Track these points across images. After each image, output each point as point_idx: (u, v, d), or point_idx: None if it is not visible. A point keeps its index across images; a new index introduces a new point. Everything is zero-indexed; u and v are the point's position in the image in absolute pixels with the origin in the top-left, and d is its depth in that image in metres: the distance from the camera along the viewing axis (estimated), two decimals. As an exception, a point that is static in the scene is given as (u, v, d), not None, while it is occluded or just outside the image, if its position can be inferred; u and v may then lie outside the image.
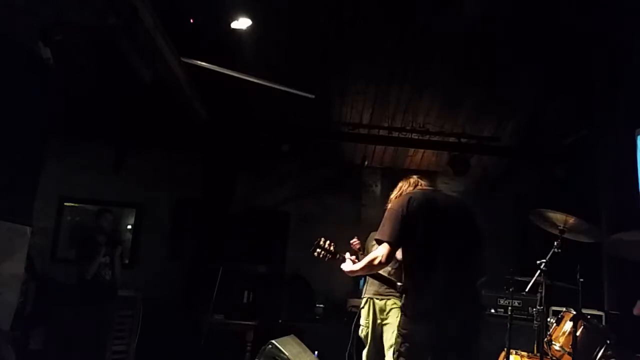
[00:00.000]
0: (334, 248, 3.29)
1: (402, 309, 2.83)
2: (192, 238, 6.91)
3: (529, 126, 6.56)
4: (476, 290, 2.89)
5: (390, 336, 4.12)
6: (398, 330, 2.80)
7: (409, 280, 2.85)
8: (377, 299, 4.34)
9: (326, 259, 3.24)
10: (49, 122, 3.80)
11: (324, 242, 3.29)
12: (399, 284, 3.30)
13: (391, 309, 4.25)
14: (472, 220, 2.94)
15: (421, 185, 3.15)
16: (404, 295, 2.83)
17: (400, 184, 3.28)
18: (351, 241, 4.41)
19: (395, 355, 2.76)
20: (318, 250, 3.27)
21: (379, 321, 4.30)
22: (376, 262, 2.79)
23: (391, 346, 3.84)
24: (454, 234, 2.83)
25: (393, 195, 3.26)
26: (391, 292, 4.16)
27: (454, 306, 2.69)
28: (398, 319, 2.96)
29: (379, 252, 2.79)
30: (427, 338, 2.67)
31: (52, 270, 6.36)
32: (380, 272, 3.28)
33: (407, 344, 2.69)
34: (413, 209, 2.80)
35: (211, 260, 6.20)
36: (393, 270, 4.02)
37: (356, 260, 3.13)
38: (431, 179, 7.38)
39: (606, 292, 5.24)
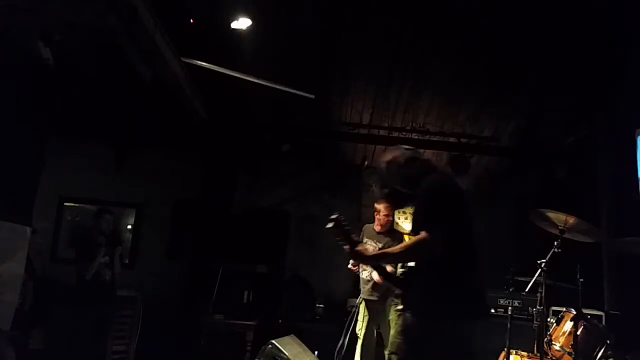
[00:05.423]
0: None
1: (419, 306, 2.43)
2: (192, 238, 6.90)
3: (529, 126, 6.55)
4: None
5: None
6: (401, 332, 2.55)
7: (449, 272, 2.38)
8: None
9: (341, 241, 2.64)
10: (49, 122, 3.80)
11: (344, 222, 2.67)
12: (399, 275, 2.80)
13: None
14: None
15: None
16: (414, 294, 2.47)
17: (410, 156, 2.71)
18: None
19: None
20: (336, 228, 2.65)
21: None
22: (431, 246, 2.30)
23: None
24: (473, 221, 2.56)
25: (392, 157, 2.76)
26: None
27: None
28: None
29: (434, 235, 2.30)
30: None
31: (52, 270, 6.35)
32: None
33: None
34: (455, 192, 2.49)
35: (211, 260, 6.20)
36: None
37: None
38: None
39: (606, 292, 5.24)
